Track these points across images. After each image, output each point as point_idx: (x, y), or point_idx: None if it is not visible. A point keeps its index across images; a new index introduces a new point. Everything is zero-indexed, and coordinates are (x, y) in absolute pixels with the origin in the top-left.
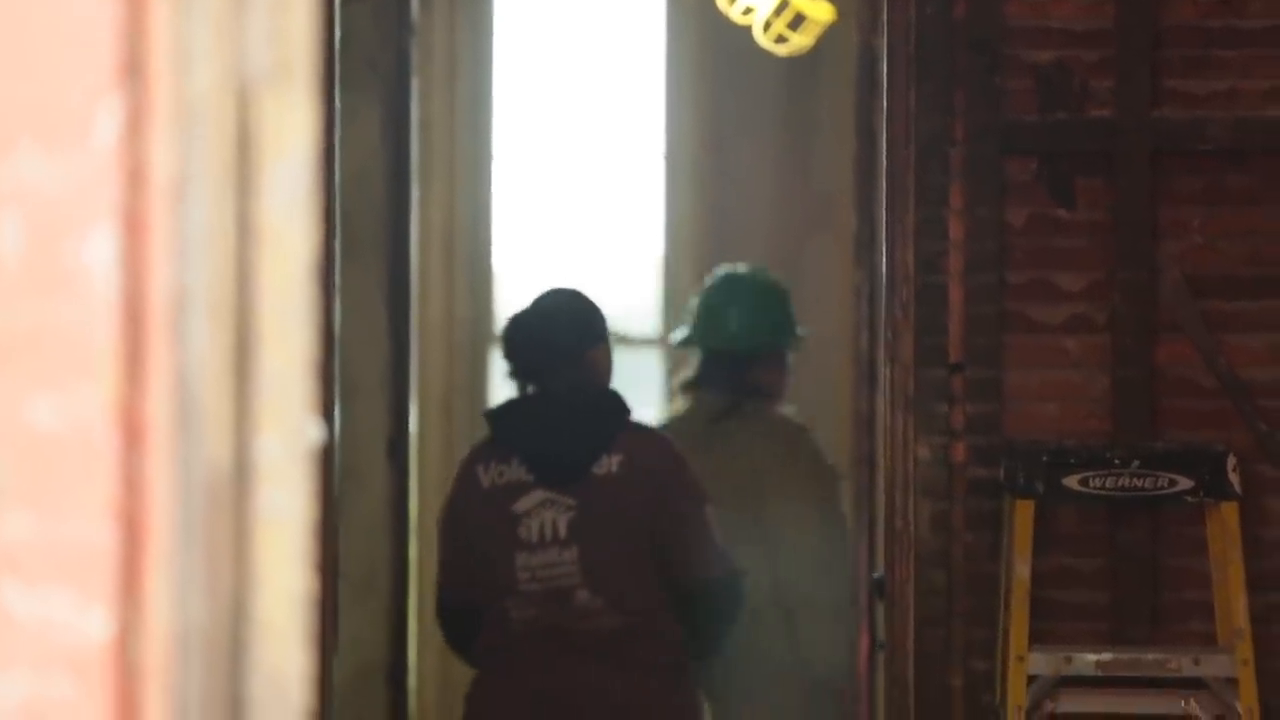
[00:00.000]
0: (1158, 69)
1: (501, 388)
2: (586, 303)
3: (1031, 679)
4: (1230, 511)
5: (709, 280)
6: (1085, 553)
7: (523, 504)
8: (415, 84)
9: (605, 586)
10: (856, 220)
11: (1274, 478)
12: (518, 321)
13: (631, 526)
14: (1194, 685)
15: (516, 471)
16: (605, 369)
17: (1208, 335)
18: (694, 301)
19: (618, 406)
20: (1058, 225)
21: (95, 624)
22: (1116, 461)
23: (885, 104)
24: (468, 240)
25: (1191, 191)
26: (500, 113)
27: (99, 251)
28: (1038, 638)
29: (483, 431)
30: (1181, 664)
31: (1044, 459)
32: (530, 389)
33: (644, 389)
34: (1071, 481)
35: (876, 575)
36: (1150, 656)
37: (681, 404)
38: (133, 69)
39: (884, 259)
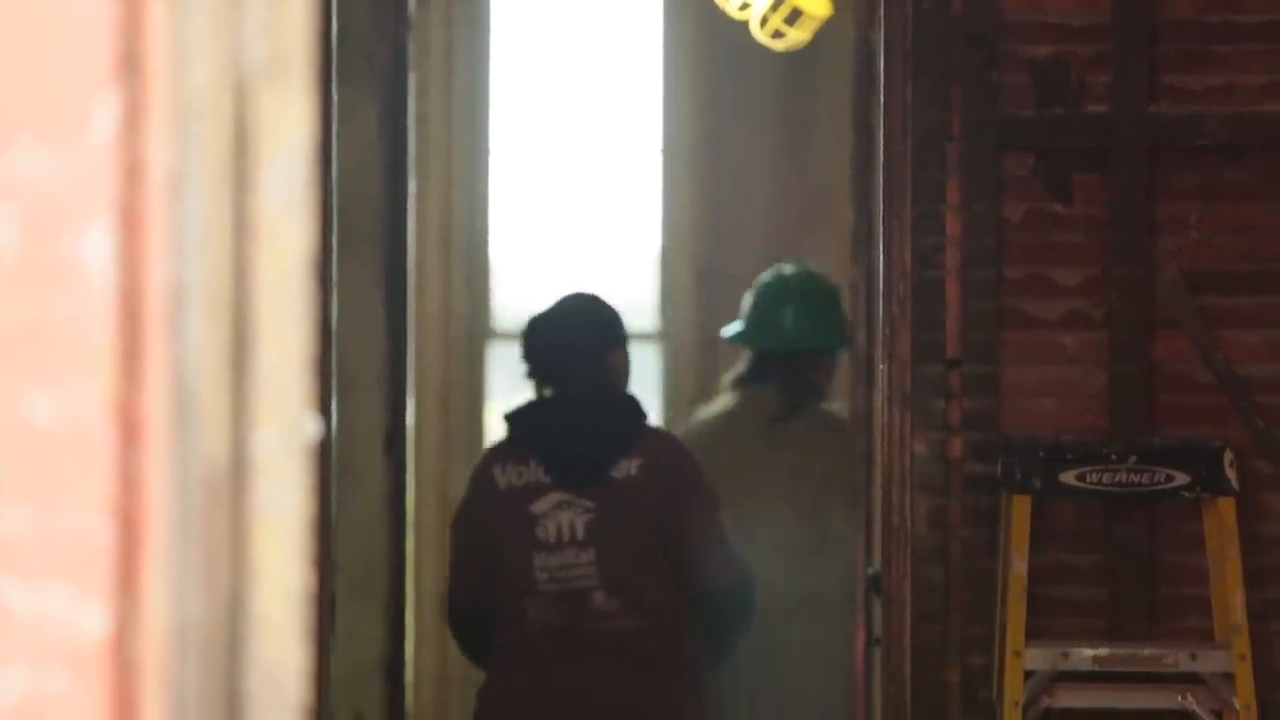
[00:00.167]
0: (1155, 64)
1: (499, 383)
2: (605, 307)
3: (1028, 674)
4: (1227, 507)
5: (762, 278)
6: (1082, 548)
7: (540, 505)
8: (412, 78)
9: (622, 588)
10: (853, 216)
11: (1271, 473)
12: (537, 324)
13: (648, 529)
14: (1191, 680)
15: (534, 473)
16: (623, 373)
17: (1205, 331)
18: (747, 299)
19: (635, 410)
20: (1055, 221)
21: (92, 619)
22: (1113, 457)
23: (882, 99)
24: (465, 235)
25: (1188, 187)
26: (497, 107)
27: (96, 247)
28: (1035, 633)
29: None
30: (1178, 659)
31: (1041, 454)
32: (548, 391)
33: (642, 384)
34: (1068, 477)
35: (873, 571)
36: (1147, 652)
37: (729, 400)
38: (130, 64)
39: (881, 254)
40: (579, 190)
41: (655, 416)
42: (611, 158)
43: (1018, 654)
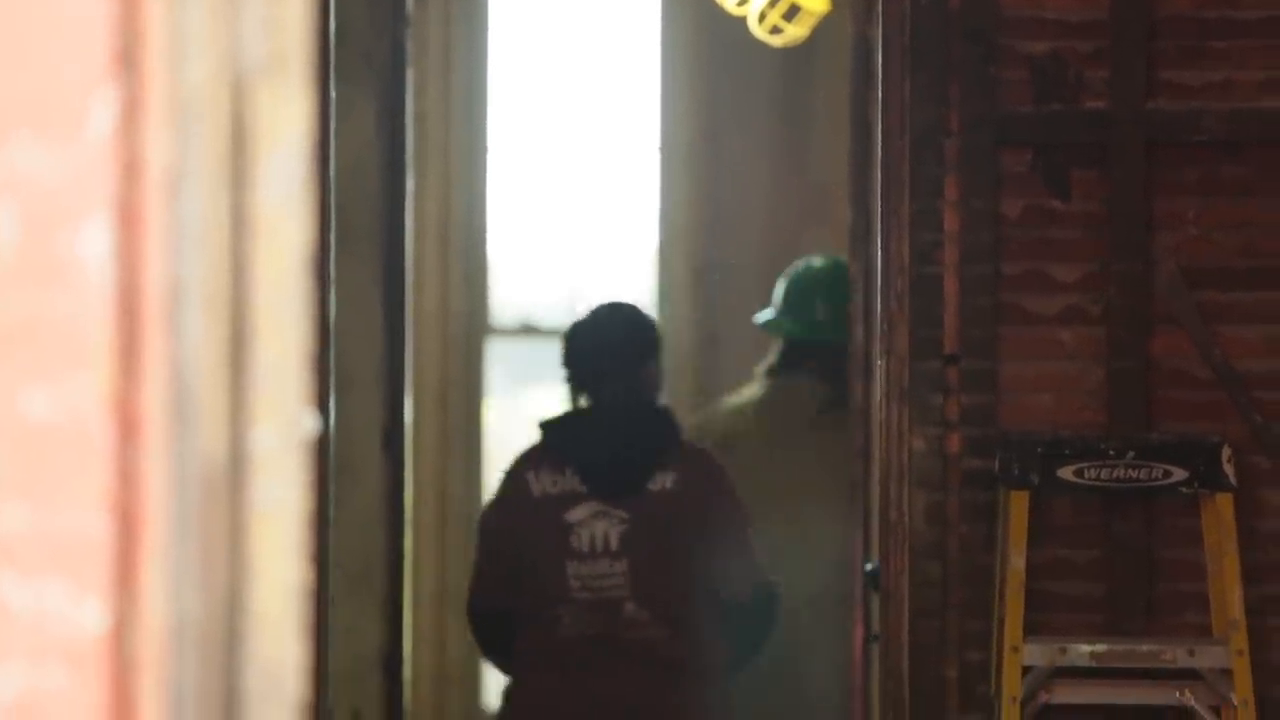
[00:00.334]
0: (1153, 60)
1: (497, 380)
2: (644, 317)
3: (1026, 670)
4: (1225, 503)
5: (795, 267)
6: (1080, 544)
7: (575, 514)
8: (410, 76)
9: (651, 599)
10: (851, 212)
11: (1269, 469)
12: (578, 333)
13: (679, 542)
14: (1189, 676)
15: (570, 481)
16: (658, 383)
17: (1203, 327)
18: (779, 288)
19: (671, 423)
20: (1053, 217)
21: (90, 616)
22: (1111, 453)
23: (880, 95)
24: (463, 232)
25: (1187, 183)
26: (495, 104)
27: (93, 243)
28: (1032, 629)
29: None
30: (1176, 655)
31: (1039, 450)
32: (584, 400)
33: None
34: (1066, 473)
35: (870, 567)
36: (1145, 648)
37: (762, 388)
38: (128, 61)
39: (879, 250)
40: (577, 187)
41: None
42: (609, 154)
43: (1016, 649)
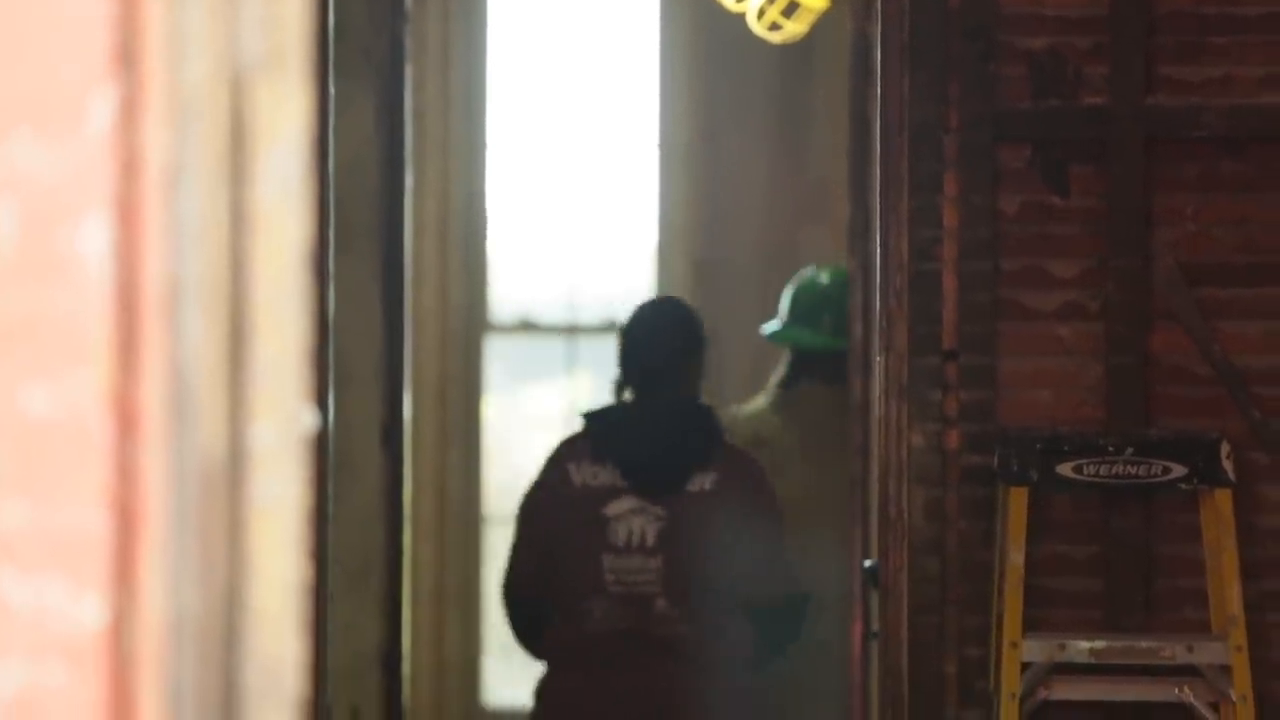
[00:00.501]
0: (1152, 56)
1: (496, 376)
2: (692, 315)
3: (1025, 666)
4: (1224, 499)
5: (801, 277)
6: (1079, 540)
7: (614, 508)
8: (409, 72)
9: (683, 597)
10: (850, 208)
11: (1268, 465)
12: (638, 332)
13: (715, 543)
14: (1188, 672)
15: (610, 476)
16: (700, 380)
17: (1202, 323)
18: (785, 298)
19: (713, 423)
20: (1051, 212)
21: (89, 612)
22: (1110, 449)
23: (879, 92)
24: (462, 229)
25: (1186, 179)
26: (494, 101)
27: (93, 239)
28: (1031, 625)
29: (472, 421)
30: (1175, 651)
31: (1038, 446)
32: (628, 395)
33: None
34: (1065, 469)
35: (870, 563)
36: (1144, 644)
37: (778, 396)
38: (127, 58)
39: (878, 247)
40: (576, 184)
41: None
42: (608, 151)
43: (1014, 646)
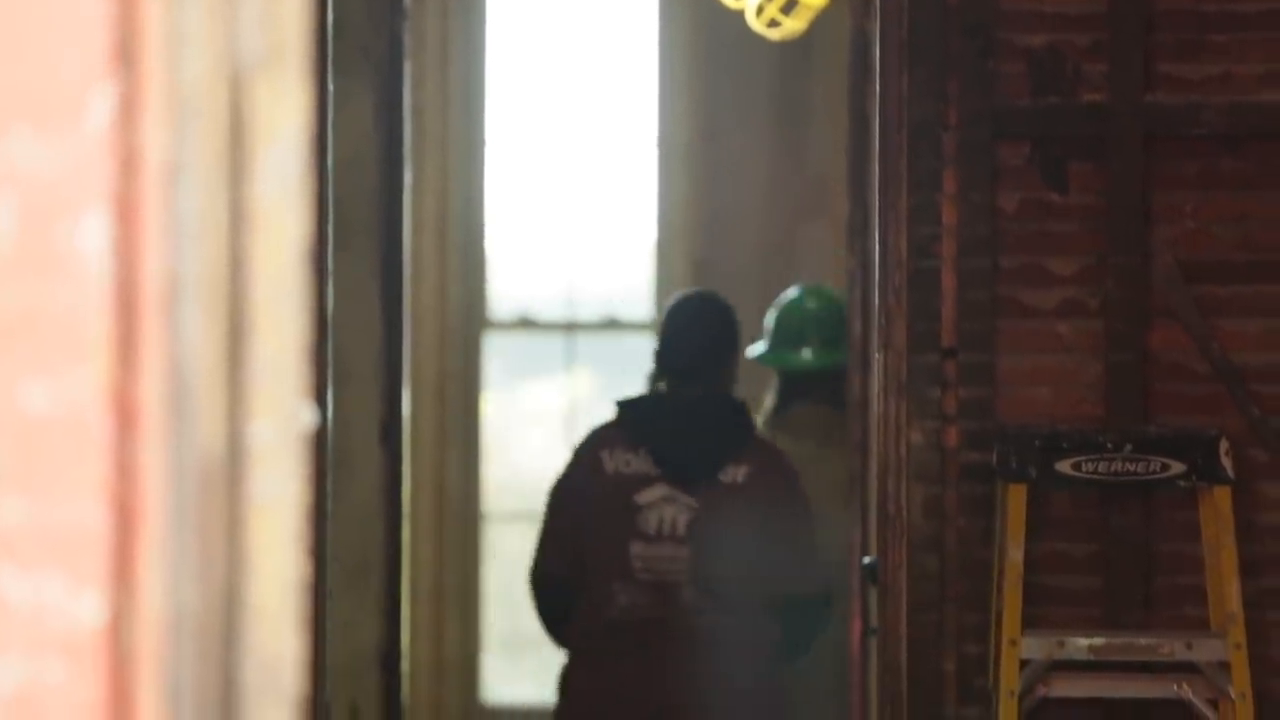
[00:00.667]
0: (1151, 53)
1: (495, 373)
2: (730, 310)
3: (1024, 663)
4: (1223, 496)
5: (784, 299)
6: (1078, 537)
7: (645, 496)
8: (408, 69)
9: (710, 587)
10: (849, 206)
11: (1267, 462)
12: (678, 325)
13: (744, 535)
14: (1187, 670)
15: (643, 464)
16: (735, 376)
17: (1201, 320)
18: (769, 321)
19: (746, 417)
20: (1050, 210)
21: (88, 608)
22: (1109, 446)
23: (878, 89)
24: (461, 226)
25: (1185, 176)
26: (493, 98)
27: (92, 236)
28: (1030, 622)
29: (470, 418)
30: (1174, 648)
31: (1037, 444)
32: (669, 387)
33: (637, 373)
34: (1064, 466)
35: (868, 560)
36: (1143, 641)
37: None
38: (126, 55)
39: (877, 244)
40: (575, 181)
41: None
42: (607, 148)
43: (1014, 643)
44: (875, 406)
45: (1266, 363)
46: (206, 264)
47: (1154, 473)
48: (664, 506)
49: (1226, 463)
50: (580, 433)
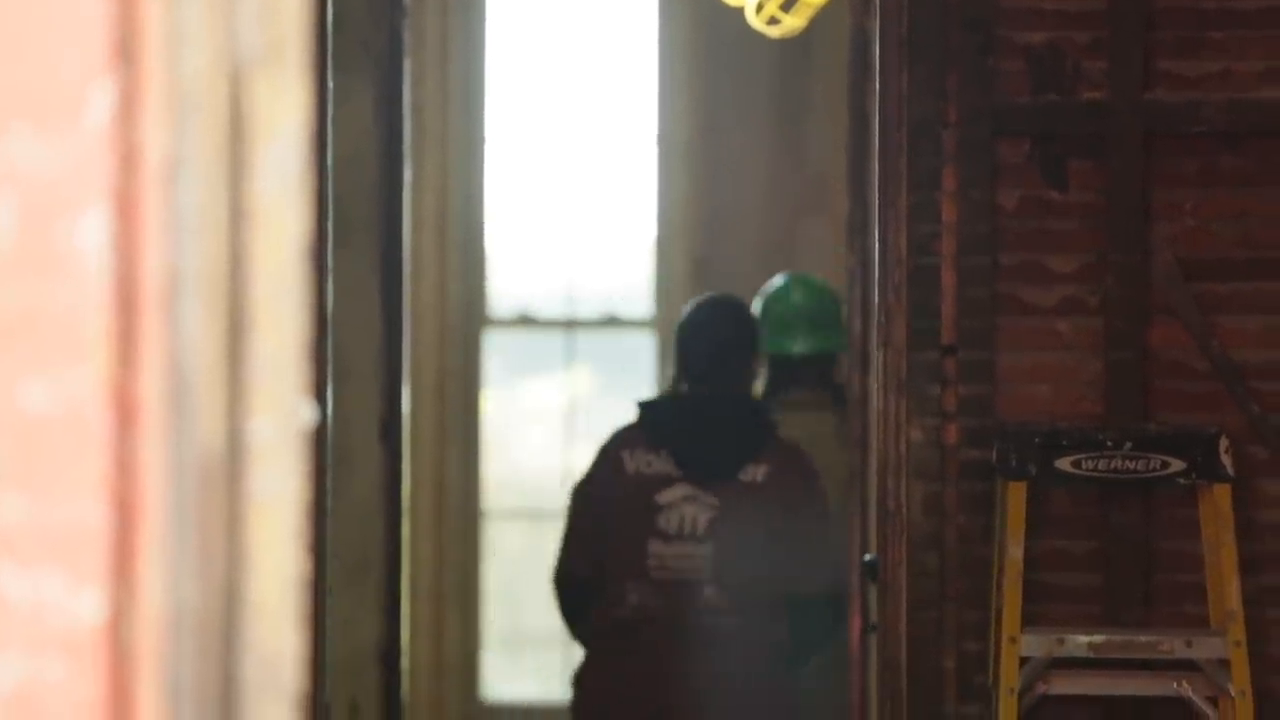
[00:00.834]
0: (1151, 50)
1: (494, 370)
2: (750, 313)
3: (1024, 661)
4: (1223, 493)
5: (770, 286)
6: (1078, 535)
7: (666, 496)
8: (408, 66)
9: (730, 585)
10: (849, 203)
11: (1267, 459)
12: (695, 327)
13: (764, 534)
14: (1186, 667)
15: (664, 464)
16: (754, 378)
17: (1200, 317)
18: (756, 308)
19: (766, 418)
20: (1050, 207)
21: (88, 606)
22: (1109, 444)
23: (878, 86)
24: (461, 222)
25: (1184, 174)
26: (493, 95)
27: (91, 234)
28: (1030, 620)
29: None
30: (1174, 646)
31: (1036, 441)
32: (688, 388)
33: (636, 371)
34: (1064, 464)
35: (868, 558)
36: (1143, 638)
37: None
38: (125, 51)
39: (877, 241)
40: (574, 178)
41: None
42: (607, 144)
43: (1013, 640)
44: (875, 404)
45: (1266, 360)
46: (206, 261)
47: (1154, 470)
48: (684, 506)
49: (1226, 460)
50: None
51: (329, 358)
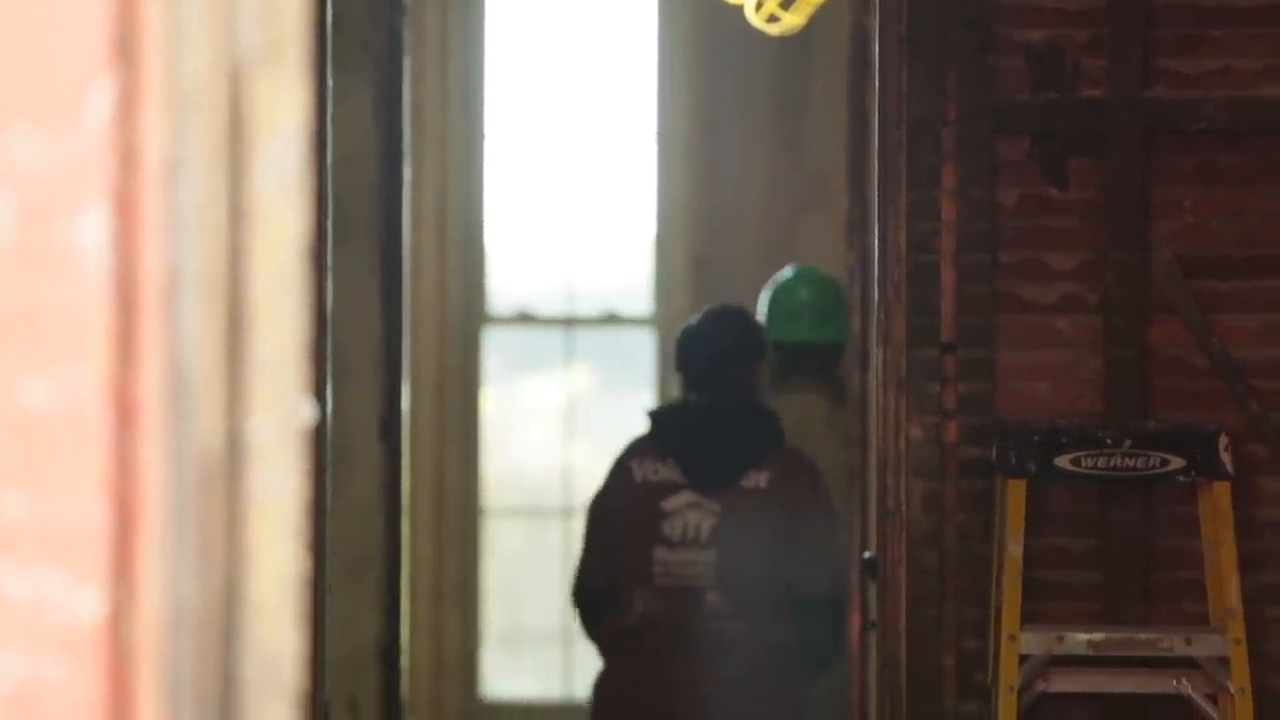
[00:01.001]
0: (1150, 48)
1: (494, 369)
2: (754, 321)
3: (1024, 659)
4: (1222, 491)
5: (779, 278)
6: (1077, 533)
7: (671, 503)
8: (407, 64)
9: (734, 591)
10: (849, 201)
11: (1266, 457)
12: (694, 335)
13: (767, 539)
14: (1186, 665)
15: (670, 472)
16: (762, 384)
17: (1200, 315)
18: (763, 301)
19: (772, 424)
20: (1050, 205)
21: (87, 604)
22: (1108, 441)
23: (877, 84)
24: (460, 221)
25: (1184, 171)
26: (492, 93)
27: (91, 232)
28: (1030, 617)
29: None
30: (1174, 643)
31: (1036, 439)
32: (692, 396)
33: (636, 369)
34: (1063, 461)
35: (868, 555)
36: (1142, 636)
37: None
38: (125, 50)
39: (876, 239)
40: (574, 176)
41: (650, 400)
42: (606, 143)
43: (1013, 638)
44: (875, 401)
45: (1266, 358)
46: (206, 260)
47: (1153, 468)
48: (689, 513)
49: (1226, 458)
50: (579, 429)
51: (329, 356)
